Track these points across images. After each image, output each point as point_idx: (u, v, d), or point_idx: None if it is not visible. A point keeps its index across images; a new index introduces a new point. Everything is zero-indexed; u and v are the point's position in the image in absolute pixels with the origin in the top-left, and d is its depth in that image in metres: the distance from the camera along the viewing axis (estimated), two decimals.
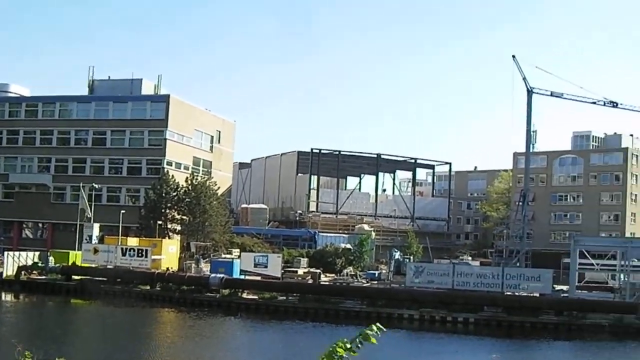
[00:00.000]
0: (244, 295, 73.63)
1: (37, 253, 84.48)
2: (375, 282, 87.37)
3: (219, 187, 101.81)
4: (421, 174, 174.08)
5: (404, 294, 73.23)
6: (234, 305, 70.91)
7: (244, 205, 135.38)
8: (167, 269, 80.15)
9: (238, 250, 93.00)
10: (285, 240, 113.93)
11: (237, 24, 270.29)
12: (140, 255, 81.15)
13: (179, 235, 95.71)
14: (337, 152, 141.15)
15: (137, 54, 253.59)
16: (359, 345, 6.80)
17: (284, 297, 73.05)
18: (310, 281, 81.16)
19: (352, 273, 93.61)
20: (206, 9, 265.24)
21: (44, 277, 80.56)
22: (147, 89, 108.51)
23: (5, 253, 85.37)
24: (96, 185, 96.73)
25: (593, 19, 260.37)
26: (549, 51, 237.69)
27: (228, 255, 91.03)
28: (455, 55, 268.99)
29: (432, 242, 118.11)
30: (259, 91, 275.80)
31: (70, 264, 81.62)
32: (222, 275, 74.26)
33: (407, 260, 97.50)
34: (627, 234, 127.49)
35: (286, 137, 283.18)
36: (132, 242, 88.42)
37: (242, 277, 76.95)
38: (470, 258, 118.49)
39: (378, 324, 6.86)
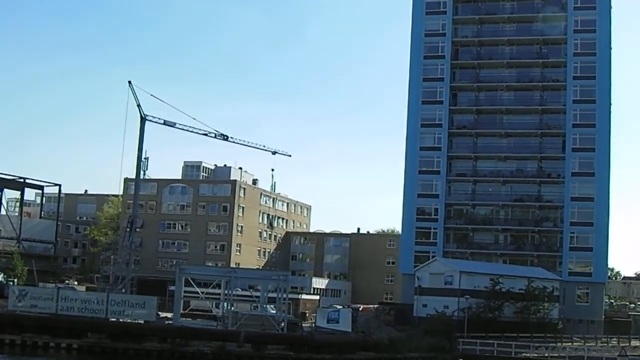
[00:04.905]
0: None
1: None
2: None
3: None
4: (30, 194, 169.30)
5: (6, 318, 71.29)
6: None
7: None
8: None
9: None
10: None
11: None
12: None
13: None
14: None
15: None
16: None
17: None
18: None
19: None
20: None
21: None
22: None
23: None
24: None
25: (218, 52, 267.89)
26: (165, 82, 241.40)
27: None
28: (72, 78, 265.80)
29: (38, 265, 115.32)
30: None
31: None
32: None
33: (11, 283, 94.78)
34: (233, 264, 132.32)
35: None
36: None
37: None
38: (76, 283, 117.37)
39: None
